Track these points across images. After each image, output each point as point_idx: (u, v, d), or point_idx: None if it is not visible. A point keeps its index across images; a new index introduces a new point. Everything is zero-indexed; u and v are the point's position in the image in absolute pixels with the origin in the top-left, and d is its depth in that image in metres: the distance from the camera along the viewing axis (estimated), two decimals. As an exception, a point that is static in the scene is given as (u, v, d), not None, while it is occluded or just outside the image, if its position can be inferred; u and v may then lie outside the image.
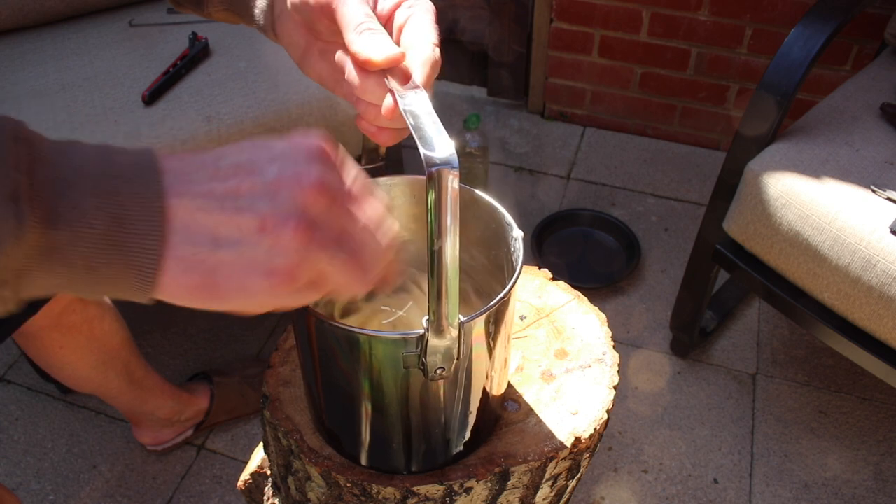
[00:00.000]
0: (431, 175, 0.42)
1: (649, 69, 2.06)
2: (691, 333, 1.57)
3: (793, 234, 1.20)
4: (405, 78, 0.48)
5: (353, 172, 0.42)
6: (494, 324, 0.56)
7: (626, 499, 1.40)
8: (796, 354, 1.64)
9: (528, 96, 2.25)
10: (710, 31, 1.93)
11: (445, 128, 0.45)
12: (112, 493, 1.40)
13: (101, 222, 0.36)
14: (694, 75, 2.03)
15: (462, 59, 2.24)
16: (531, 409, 0.69)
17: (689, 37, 1.96)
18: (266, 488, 0.84)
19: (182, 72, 1.34)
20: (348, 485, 0.63)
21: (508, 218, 0.60)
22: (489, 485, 0.64)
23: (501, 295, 0.54)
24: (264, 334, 1.66)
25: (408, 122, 0.45)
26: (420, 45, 0.49)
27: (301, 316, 0.56)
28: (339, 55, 0.52)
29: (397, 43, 0.50)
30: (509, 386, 0.70)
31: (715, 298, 1.67)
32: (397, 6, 0.51)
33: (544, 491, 0.68)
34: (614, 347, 0.74)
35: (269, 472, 0.83)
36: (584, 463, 0.70)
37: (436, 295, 0.46)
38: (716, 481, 1.42)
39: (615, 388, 0.71)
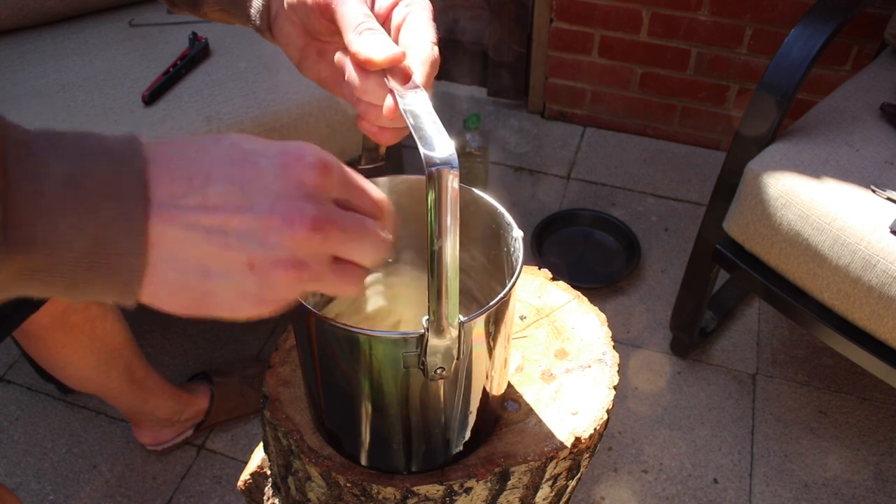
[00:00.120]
0: (431, 175, 0.42)
1: (649, 69, 2.06)
2: (691, 333, 1.57)
3: (793, 234, 1.20)
4: (405, 77, 0.48)
5: (351, 182, 0.42)
6: (494, 324, 0.56)
7: (626, 499, 1.40)
8: (796, 354, 1.64)
9: (528, 96, 2.25)
10: (710, 31, 1.93)
11: (445, 128, 0.45)
12: (112, 493, 1.40)
13: (81, 244, 0.35)
14: (694, 75, 2.03)
15: (462, 59, 2.24)
16: (531, 409, 0.69)
17: (689, 37, 1.96)
18: (266, 488, 0.84)
19: (182, 72, 1.34)
20: (348, 485, 0.63)
21: (508, 218, 0.60)
22: (489, 485, 0.64)
23: (501, 295, 0.54)
24: (264, 334, 1.66)
25: (408, 121, 0.45)
26: (419, 43, 0.49)
27: (301, 316, 0.56)
28: (339, 55, 0.52)
29: (396, 42, 0.50)
30: (509, 386, 0.70)
31: (715, 298, 1.67)
32: (394, 5, 0.51)
33: (544, 491, 0.68)
34: (614, 347, 0.74)
35: (269, 472, 0.83)
36: (584, 463, 0.70)
37: (436, 295, 0.46)
38: (716, 481, 1.42)
39: (615, 388, 0.71)
